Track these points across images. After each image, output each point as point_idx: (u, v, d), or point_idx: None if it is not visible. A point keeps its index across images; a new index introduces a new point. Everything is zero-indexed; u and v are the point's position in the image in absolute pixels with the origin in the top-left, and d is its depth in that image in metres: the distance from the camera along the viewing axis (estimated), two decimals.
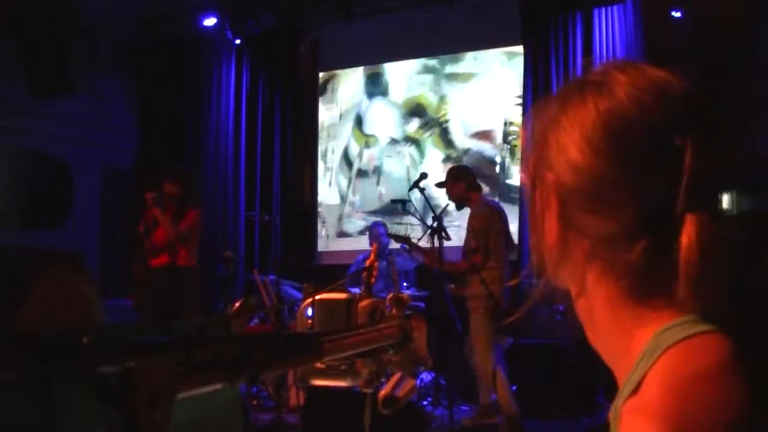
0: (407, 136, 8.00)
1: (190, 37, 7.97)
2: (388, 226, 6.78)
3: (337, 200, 8.29)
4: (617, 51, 6.52)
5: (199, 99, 8.11)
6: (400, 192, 7.71)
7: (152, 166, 7.74)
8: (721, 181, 0.77)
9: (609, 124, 0.78)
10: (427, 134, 7.91)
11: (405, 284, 6.23)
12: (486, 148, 7.62)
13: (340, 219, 8.25)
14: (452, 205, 5.55)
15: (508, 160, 7.53)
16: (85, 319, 1.92)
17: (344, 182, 8.28)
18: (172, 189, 6.01)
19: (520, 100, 7.37)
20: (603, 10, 6.68)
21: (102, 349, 0.59)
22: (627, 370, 0.75)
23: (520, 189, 6.87)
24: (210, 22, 7.77)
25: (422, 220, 5.48)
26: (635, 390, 0.72)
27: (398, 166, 8.01)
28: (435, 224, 5.22)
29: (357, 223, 8.13)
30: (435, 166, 7.67)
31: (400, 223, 6.97)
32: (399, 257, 6.42)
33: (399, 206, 5.78)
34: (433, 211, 5.26)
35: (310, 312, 1.32)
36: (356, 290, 1.48)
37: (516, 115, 7.47)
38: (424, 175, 5.57)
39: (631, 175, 0.76)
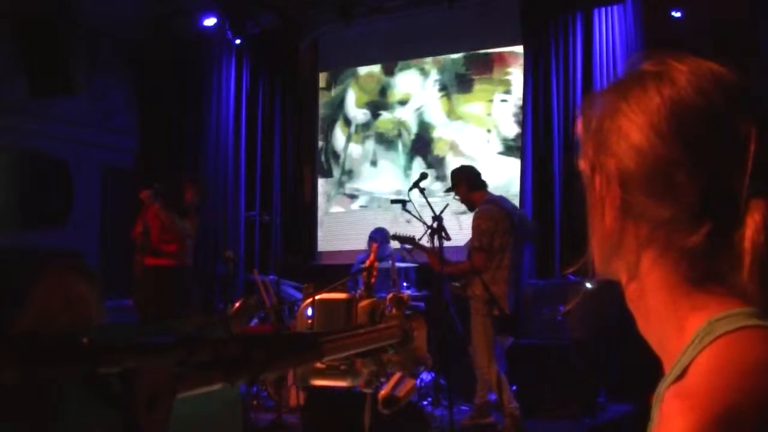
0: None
1: (189, 37, 7.96)
2: (390, 228, 6.78)
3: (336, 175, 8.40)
4: (617, 51, 6.52)
5: (199, 99, 8.11)
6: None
7: (152, 166, 7.76)
8: None
9: (673, 110, 0.80)
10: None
11: (405, 284, 6.23)
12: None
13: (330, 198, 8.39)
14: (450, 206, 5.56)
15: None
16: (84, 320, 1.92)
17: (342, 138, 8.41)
18: (190, 195, 6.14)
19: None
20: (603, 10, 6.68)
21: (102, 349, 0.59)
22: (676, 355, 0.76)
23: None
24: (210, 22, 7.77)
25: (422, 220, 5.47)
26: (681, 375, 0.72)
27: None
28: (435, 224, 5.21)
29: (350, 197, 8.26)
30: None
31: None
32: (399, 257, 6.42)
33: (399, 206, 5.78)
34: (433, 211, 5.25)
35: (310, 312, 1.32)
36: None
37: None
38: (424, 176, 5.56)
39: (695, 158, 0.78)
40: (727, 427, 0.66)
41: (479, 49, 7.72)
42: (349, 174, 8.31)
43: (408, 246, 5.66)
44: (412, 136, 8.02)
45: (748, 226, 0.75)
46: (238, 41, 7.98)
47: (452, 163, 7.70)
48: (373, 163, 8.18)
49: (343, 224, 8.22)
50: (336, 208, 8.34)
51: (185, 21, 7.79)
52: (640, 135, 0.81)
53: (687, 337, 0.76)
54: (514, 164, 7.21)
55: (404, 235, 5.60)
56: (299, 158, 8.38)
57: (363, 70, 8.36)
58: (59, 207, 7.48)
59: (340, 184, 8.34)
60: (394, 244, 6.26)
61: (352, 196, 8.27)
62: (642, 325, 0.84)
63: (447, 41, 7.81)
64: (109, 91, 8.00)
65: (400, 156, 8.05)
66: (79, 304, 1.94)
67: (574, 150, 0.91)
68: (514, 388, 5.21)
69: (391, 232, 6.04)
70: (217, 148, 8.01)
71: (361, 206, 8.19)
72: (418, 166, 7.83)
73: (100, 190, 7.89)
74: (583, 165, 0.88)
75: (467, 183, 5.41)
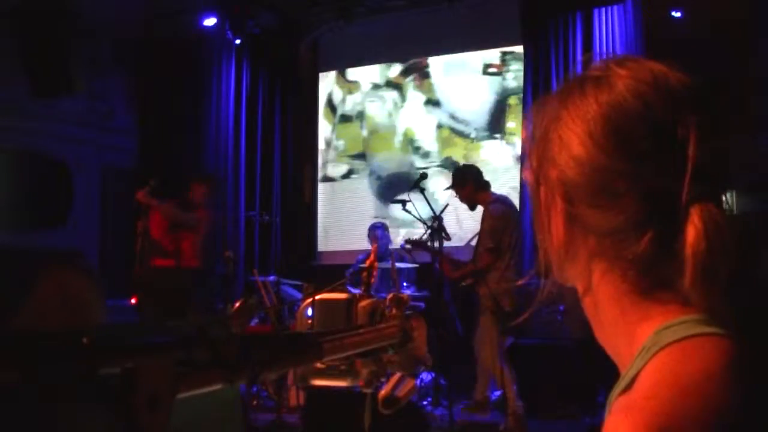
0: (389, 81, 8.22)
1: (190, 37, 7.96)
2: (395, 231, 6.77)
3: (322, 146, 8.49)
4: (617, 51, 6.51)
5: (199, 99, 8.11)
6: (382, 129, 7.97)
7: (152, 166, 7.76)
8: (724, 172, 0.76)
9: (610, 117, 0.78)
10: (408, 79, 8.14)
11: (405, 284, 6.23)
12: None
13: (324, 164, 8.47)
14: (450, 206, 5.56)
15: None
16: (82, 320, 1.91)
17: (328, 128, 8.47)
18: (199, 193, 6.11)
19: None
20: (603, 10, 6.67)
21: (102, 349, 0.59)
22: (627, 365, 0.75)
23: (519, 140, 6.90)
24: (210, 22, 7.77)
25: (422, 220, 5.47)
26: (628, 386, 0.71)
27: (381, 111, 8.21)
28: (435, 224, 5.22)
29: (341, 167, 8.39)
30: (417, 110, 7.99)
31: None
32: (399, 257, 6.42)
33: (399, 206, 5.77)
34: (434, 211, 5.26)
35: (310, 312, 1.31)
36: (356, 290, 1.48)
37: (494, 57, 7.71)
38: (424, 175, 5.57)
39: (635, 165, 0.76)
40: None
41: (479, 49, 7.72)
42: (337, 139, 8.42)
43: (408, 247, 5.66)
44: (400, 97, 8.15)
45: (688, 232, 0.73)
46: (238, 41, 7.97)
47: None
48: (361, 125, 8.30)
49: (338, 192, 8.30)
50: (330, 172, 8.43)
51: (185, 21, 7.79)
52: (579, 144, 0.79)
53: (637, 346, 0.75)
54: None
55: (418, 239, 5.53)
56: (299, 158, 8.38)
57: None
58: (59, 207, 7.48)
59: (329, 149, 8.45)
60: (394, 244, 6.26)
61: (342, 161, 8.38)
62: (598, 333, 0.84)
63: (447, 41, 7.81)
64: (109, 91, 8.00)
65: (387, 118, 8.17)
66: (77, 304, 1.93)
67: None
68: (515, 388, 5.22)
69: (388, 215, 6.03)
70: (217, 148, 8.01)
71: (348, 169, 8.30)
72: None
73: (100, 190, 7.89)
74: (527, 175, 0.87)
75: (474, 183, 5.41)
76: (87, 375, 0.59)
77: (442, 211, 5.29)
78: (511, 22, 7.22)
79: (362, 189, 8.18)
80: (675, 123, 0.76)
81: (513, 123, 7.52)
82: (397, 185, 7.77)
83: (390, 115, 8.17)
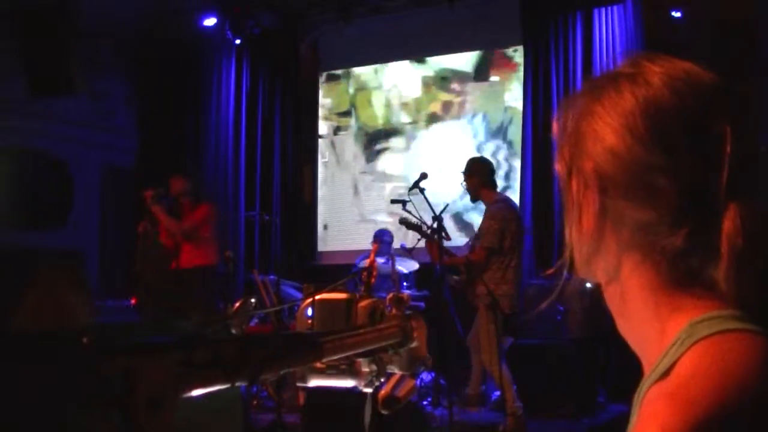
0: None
1: (190, 37, 7.96)
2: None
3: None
4: (617, 51, 6.52)
5: (199, 99, 8.11)
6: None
7: (152, 166, 7.75)
8: (757, 169, 0.79)
9: (648, 111, 0.79)
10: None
11: (405, 284, 6.22)
12: None
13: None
14: (450, 207, 5.57)
15: None
16: (70, 323, 1.91)
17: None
18: (178, 185, 6.02)
19: None
20: (603, 10, 6.68)
21: (102, 349, 0.59)
22: (657, 356, 0.76)
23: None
24: (210, 22, 7.77)
25: (422, 220, 5.47)
26: (663, 375, 0.72)
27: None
28: (435, 224, 5.22)
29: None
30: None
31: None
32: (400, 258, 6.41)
33: (399, 206, 5.77)
34: (433, 211, 5.26)
35: (310, 312, 1.31)
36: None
37: None
38: (424, 175, 5.56)
39: (672, 160, 0.77)
40: (707, 431, 0.66)
41: (479, 49, 7.72)
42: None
43: (408, 248, 5.67)
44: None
45: (725, 227, 0.75)
46: (238, 41, 7.97)
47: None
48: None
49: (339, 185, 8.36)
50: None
51: (185, 21, 7.79)
52: (615, 138, 0.80)
53: (668, 338, 0.76)
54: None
55: (412, 221, 5.51)
56: (299, 158, 8.38)
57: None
58: (59, 207, 7.48)
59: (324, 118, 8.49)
60: (394, 245, 6.25)
61: (338, 129, 8.42)
62: (622, 325, 0.84)
63: (447, 41, 7.80)
64: (109, 91, 8.00)
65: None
66: (68, 313, 1.94)
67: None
68: (514, 388, 5.22)
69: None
70: (217, 148, 8.01)
71: (342, 133, 8.36)
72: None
73: (100, 190, 7.89)
74: (559, 168, 0.88)
75: (481, 177, 5.40)
76: (87, 375, 0.59)
77: (442, 211, 5.29)
78: (511, 22, 7.22)
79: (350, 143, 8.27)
80: (711, 119, 0.78)
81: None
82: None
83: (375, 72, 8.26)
